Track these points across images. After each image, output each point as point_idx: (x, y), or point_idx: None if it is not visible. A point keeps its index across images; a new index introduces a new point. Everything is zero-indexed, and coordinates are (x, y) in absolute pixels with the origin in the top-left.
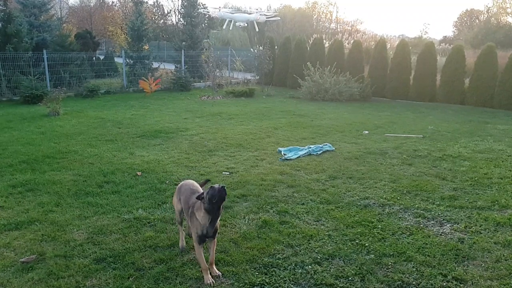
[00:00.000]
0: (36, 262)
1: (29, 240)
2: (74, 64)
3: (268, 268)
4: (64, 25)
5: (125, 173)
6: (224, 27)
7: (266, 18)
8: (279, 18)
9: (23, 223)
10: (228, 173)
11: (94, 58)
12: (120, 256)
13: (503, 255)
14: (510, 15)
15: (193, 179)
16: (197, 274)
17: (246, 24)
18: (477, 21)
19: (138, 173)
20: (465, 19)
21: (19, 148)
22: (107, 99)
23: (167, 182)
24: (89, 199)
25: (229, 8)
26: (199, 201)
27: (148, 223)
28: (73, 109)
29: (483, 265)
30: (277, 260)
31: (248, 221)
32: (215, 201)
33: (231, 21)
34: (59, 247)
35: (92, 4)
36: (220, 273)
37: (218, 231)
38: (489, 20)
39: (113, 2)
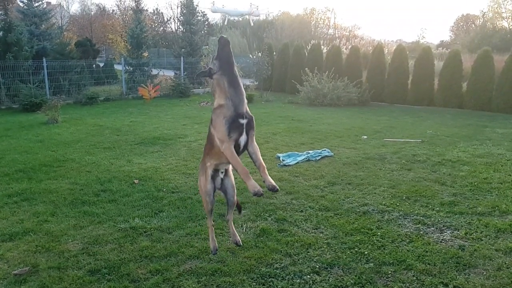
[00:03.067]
0: (29, 274)
1: (23, 252)
2: (73, 72)
3: (265, 278)
4: (65, 33)
5: (122, 181)
6: (217, 21)
7: (261, 13)
8: (273, 11)
9: (17, 234)
10: None
11: (94, 66)
12: (115, 267)
13: (505, 263)
14: (506, 19)
15: (190, 186)
16: (194, 286)
17: (240, 19)
18: (473, 25)
19: (135, 181)
20: (461, 23)
21: (16, 156)
22: (106, 106)
23: (164, 190)
24: (85, 208)
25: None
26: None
27: (145, 232)
28: (72, 117)
29: (484, 273)
30: (275, 270)
31: (245, 230)
32: (223, 53)
33: (225, 16)
34: (53, 259)
35: (92, 13)
36: (277, 188)
37: (253, 127)
38: (485, 24)
39: (113, 11)
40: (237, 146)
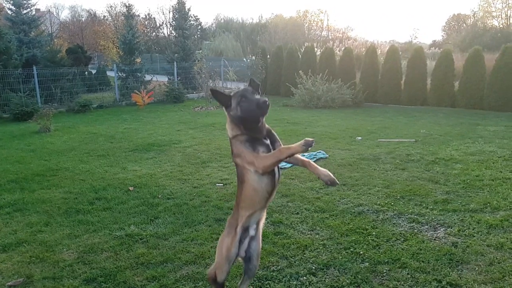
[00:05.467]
0: (24, 285)
1: (17, 263)
2: (65, 79)
3: (262, 281)
4: (55, 40)
5: (117, 189)
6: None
7: None
8: None
9: (11, 245)
10: (221, 184)
11: (86, 73)
12: (111, 275)
13: (496, 258)
14: (496, 18)
15: (186, 192)
16: None
17: None
18: (465, 25)
19: (130, 188)
20: (453, 23)
21: (8, 167)
22: (99, 113)
23: (159, 196)
24: (80, 217)
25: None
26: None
27: (140, 239)
28: (65, 125)
29: (476, 268)
30: (271, 273)
31: None
32: (254, 115)
33: None
34: (47, 269)
35: (83, 19)
36: (337, 181)
37: (277, 139)
38: (476, 24)
39: (104, 17)
40: (271, 173)
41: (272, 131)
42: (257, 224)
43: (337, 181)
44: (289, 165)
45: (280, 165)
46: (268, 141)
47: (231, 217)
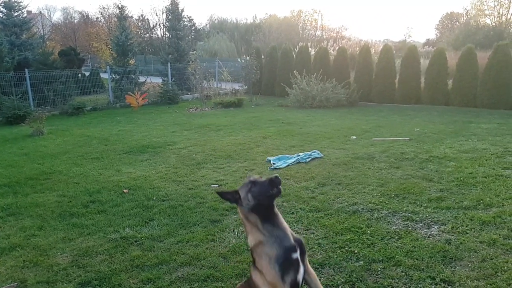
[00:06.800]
0: None
1: (10, 267)
2: (58, 82)
3: None
4: (47, 42)
5: (111, 191)
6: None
7: None
8: None
9: (4, 250)
10: (217, 185)
11: (79, 75)
12: (106, 278)
13: (489, 254)
14: (488, 16)
15: (180, 194)
16: None
17: None
18: (458, 23)
19: (124, 190)
20: (446, 22)
21: (0, 171)
22: (93, 116)
23: (154, 198)
24: (74, 220)
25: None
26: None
27: (135, 241)
28: (58, 128)
29: (469, 265)
30: None
31: (237, 234)
32: (267, 198)
33: None
34: (41, 273)
35: (75, 21)
36: None
37: (306, 251)
38: (469, 22)
39: (97, 18)
40: (295, 286)
41: (302, 241)
42: None
43: None
44: (284, 164)
45: (275, 165)
46: (297, 254)
47: None
